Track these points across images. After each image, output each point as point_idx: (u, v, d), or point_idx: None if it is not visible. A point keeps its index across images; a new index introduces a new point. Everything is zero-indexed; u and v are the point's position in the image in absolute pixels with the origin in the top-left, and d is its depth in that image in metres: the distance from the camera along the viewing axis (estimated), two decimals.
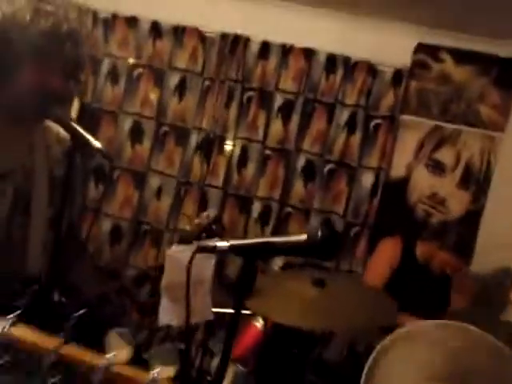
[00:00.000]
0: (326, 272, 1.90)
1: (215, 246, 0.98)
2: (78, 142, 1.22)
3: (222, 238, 0.99)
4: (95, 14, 3.07)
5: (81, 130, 1.23)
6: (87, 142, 1.21)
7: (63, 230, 1.24)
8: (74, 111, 2.90)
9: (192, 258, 0.97)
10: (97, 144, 1.21)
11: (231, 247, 0.97)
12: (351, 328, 1.75)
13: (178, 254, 1.09)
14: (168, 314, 1.08)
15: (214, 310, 1.21)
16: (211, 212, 1.57)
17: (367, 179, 2.84)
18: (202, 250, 0.99)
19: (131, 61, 3.08)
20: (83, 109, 3.00)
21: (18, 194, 1.29)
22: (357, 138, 2.84)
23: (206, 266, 1.12)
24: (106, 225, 3.08)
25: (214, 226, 1.45)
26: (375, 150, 2.83)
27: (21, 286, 1.32)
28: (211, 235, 1.44)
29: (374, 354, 1.38)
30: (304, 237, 0.90)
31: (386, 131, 2.81)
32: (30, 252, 1.32)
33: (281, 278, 1.74)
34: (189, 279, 0.97)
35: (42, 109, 1.25)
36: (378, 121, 2.83)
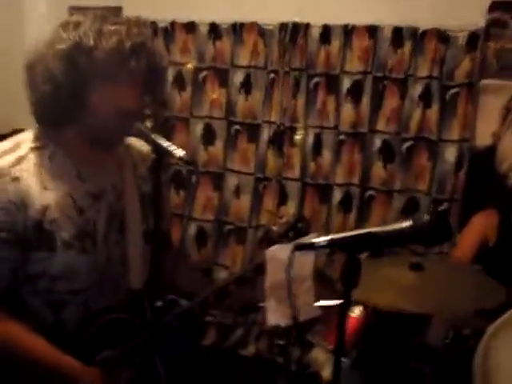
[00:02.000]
0: (419, 255, 1.83)
1: (314, 243, 0.96)
2: (161, 153, 1.24)
3: (319, 234, 0.97)
4: (154, 25, 3.13)
5: (162, 142, 1.24)
6: (170, 153, 1.22)
7: (159, 242, 1.27)
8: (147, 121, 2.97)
9: (292, 257, 0.96)
10: (180, 153, 1.22)
11: (330, 242, 0.95)
12: (453, 311, 1.68)
13: (277, 253, 1.08)
14: (275, 315, 1.07)
15: (319, 304, 1.19)
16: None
17: (450, 153, 2.70)
18: (300, 247, 0.97)
19: (194, 65, 3.11)
20: (156, 118, 3.07)
21: (112, 212, 1.34)
22: (434, 110, 2.71)
23: (306, 263, 1.11)
24: (191, 228, 3.15)
25: (299, 224, 1.43)
26: (455, 121, 2.68)
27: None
28: (297, 233, 1.42)
29: (485, 338, 1.31)
30: (408, 223, 0.86)
31: (465, 100, 2.66)
32: (130, 268, 1.37)
33: (376, 265, 1.69)
34: (290, 278, 0.96)
35: (122, 127, 1.27)
36: (456, 90, 2.67)
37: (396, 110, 2.78)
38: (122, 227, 1.35)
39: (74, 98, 1.22)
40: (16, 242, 1.20)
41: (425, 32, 2.70)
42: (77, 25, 1.22)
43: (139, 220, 1.38)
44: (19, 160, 1.23)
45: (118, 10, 3.09)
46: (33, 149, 1.26)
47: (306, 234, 1.40)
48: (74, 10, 3.04)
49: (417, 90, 2.73)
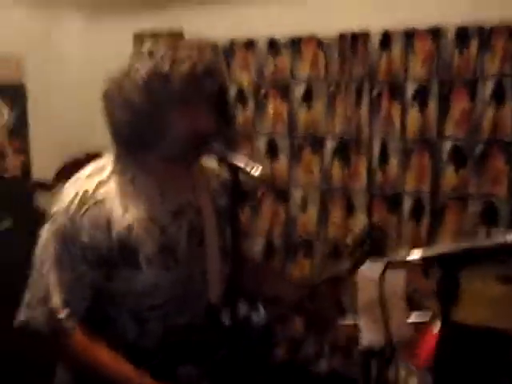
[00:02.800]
0: (505, 266, 1.73)
1: (406, 260, 0.92)
2: (236, 172, 1.24)
3: (409, 249, 0.93)
4: (214, 45, 3.19)
5: (238, 161, 1.25)
6: (245, 172, 1.23)
7: (237, 256, 1.28)
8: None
9: (383, 275, 0.93)
10: (256, 172, 1.22)
11: (424, 259, 0.91)
12: None
13: (368, 272, 1.06)
14: (369, 335, 1.04)
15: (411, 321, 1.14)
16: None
17: None
18: (392, 265, 0.94)
19: (255, 81, 3.14)
20: (225, 137, 3.12)
21: (192, 228, 1.36)
22: (507, 109, 2.59)
23: (397, 281, 1.07)
24: (258, 243, 3.15)
25: (373, 234, 1.39)
26: None
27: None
28: (373, 244, 1.38)
29: None
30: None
31: None
32: (209, 282, 1.38)
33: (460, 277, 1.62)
34: (382, 297, 0.93)
35: (198, 147, 1.30)
36: None
37: (466, 113, 2.68)
38: (200, 242, 1.38)
39: (153, 123, 1.25)
40: (100, 263, 1.24)
41: (492, 29, 2.59)
42: (150, 53, 1.26)
43: (216, 235, 1.40)
44: (102, 184, 1.28)
45: (179, 34, 3.17)
46: (114, 172, 1.30)
47: (381, 244, 1.36)
48: (139, 36, 3.15)
49: (487, 89, 2.62)
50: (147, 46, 1.31)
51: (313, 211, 3.06)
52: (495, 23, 2.58)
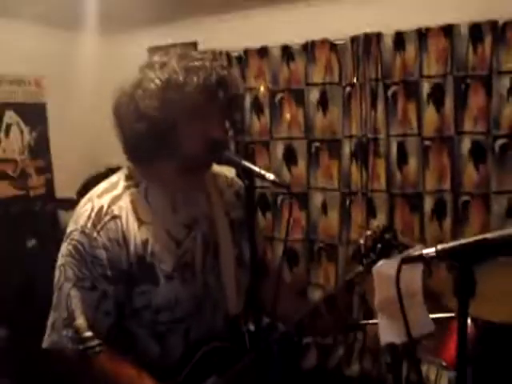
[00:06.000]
0: None
1: (422, 254, 0.93)
2: (252, 178, 1.24)
3: (424, 245, 0.94)
4: (228, 54, 3.23)
5: (253, 167, 1.24)
6: (263, 177, 1.22)
7: (255, 266, 1.27)
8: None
9: (399, 271, 0.93)
10: (271, 176, 1.22)
11: (439, 253, 0.91)
12: None
13: (384, 269, 1.06)
14: (388, 333, 1.04)
15: (432, 317, 1.14)
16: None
17: None
18: (408, 260, 0.94)
19: (266, 86, 3.16)
20: (237, 144, 3.15)
21: (207, 240, 1.37)
22: None
23: (414, 277, 1.07)
24: (280, 249, 3.16)
25: (386, 235, 1.38)
26: None
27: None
28: (386, 244, 1.37)
29: None
30: None
31: None
32: (227, 293, 1.38)
33: (482, 273, 1.60)
34: (400, 293, 0.93)
35: (211, 156, 1.30)
36: None
37: (483, 108, 2.66)
38: (216, 254, 1.38)
39: (167, 133, 1.26)
40: (120, 279, 1.24)
41: (506, 23, 2.57)
42: (163, 64, 1.27)
43: (231, 246, 1.40)
44: (116, 198, 1.29)
45: (193, 45, 3.22)
46: (127, 187, 1.32)
47: (395, 244, 1.35)
48: (154, 50, 3.21)
49: (504, 83, 2.60)
50: (157, 57, 1.33)
51: (334, 214, 3.06)
52: (508, 18, 2.56)
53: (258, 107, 3.20)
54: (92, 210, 1.26)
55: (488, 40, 2.61)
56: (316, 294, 3.12)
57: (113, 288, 1.24)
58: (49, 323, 1.27)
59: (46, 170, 3.47)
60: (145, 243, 1.26)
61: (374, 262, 1.20)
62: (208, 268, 1.36)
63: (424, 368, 1.80)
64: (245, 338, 1.40)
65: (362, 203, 2.95)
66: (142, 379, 1.24)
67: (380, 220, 2.91)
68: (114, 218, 1.25)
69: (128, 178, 1.34)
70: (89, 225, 1.24)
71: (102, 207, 1.26)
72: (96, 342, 1.23)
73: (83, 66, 3.43)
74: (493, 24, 2.60)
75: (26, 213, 3.10)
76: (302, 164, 3.13)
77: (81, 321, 1.22)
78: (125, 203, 1.28)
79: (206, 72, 1.25)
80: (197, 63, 1.26)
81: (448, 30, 2.70)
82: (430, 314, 1.29)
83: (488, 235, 0.85)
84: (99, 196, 1.30)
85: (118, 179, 1.34)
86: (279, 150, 3.18)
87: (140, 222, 1.27)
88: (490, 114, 2.64)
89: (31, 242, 2.98)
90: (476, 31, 2.64)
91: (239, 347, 1.38)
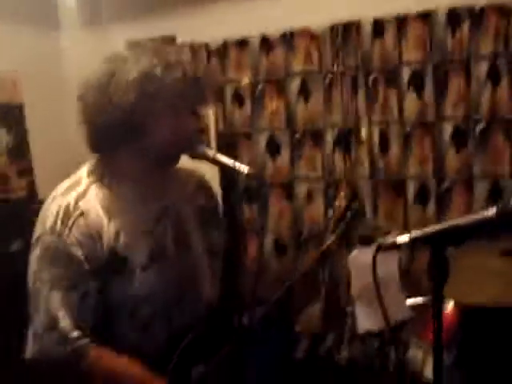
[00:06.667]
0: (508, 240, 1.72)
1: (396, 242, 0.93)
2: (226, 172, 1.24)
3: (399, 231, 0.94)
4: (207, 47, 3.21)
5: (226, 161, 1.25)
6: (235, 170, 1.23)
7: (230, 257, 1.28)
8: (212, 142, 3.04)
9: (375, 259, 0.94)
10: (245, 169, 1.23)
11: (413, 240, 0.92)
12: None
13: (360, 257, 1.07)
14: (366, 320, 1.05)
15: (409, 303, 1.15)
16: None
17: None
18: (382, 248, 0.95)
19: (249, 79, 3.15)
20: (219, 137, 3.14)
21: (176, 230, 1.37)
22: (504, 88, 2.58)
23: (390, 264, 1.08)
24: (269, 240, 3.17)
25: (353, 205, 1.41)
26: None
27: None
28: (354, 215, 1.40)
29: None
30: (494, 210, 0.82)
31: None
32: (201, 283, 1.40)
33: (459, 255, 1.61)
34: (376, 279, 0.94)
35: (180, 149, 1.31)
36: None
37: (463, 93, 2.67)
38: (186, 243, 1.39)
39: (140, 125, 1.25)
40: (98, 273, 1.23)
41: (483, 9, 2.58)
42: (139, 57, 1.26)
43: (200, 235, 1.42)
44: (82, 194, 1.27)
45: (172, 39, 3.20)
46: (92, 182, 1.30)
47: (362, 213, 1.38)
48: (133, 44, 3.17)
49: (482, 68, 2.61)
50: (131, 50, 1.32)
51: (319, 203, 3.07)
52: (485, 3, 2.57)
53: (239, 99, 3.19)
54: (59, 209, 1.24)
55: (465, 25, 2.63)
56: None
57: (92, 284, 1.23)
58: (29, 333, 1.23)
59: (27, 172, 3.39)
60: (117, 236, 1.26)
61: (345, 231, 1.22)
62: (181, 258, 1.37)
63: (411, 351, 1.82)
64: (226, 327, 1.40)
65: (347, 191, 2.96)
66: (137, 370, 1.23)
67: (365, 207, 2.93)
68: (83, 213, 1.24)
69: (91, 173, 1.33)
70: (58, 224, 1.23)
71: (68, 205, 1.25)
72: (85, 340, 1.21)
73: (61, 64, 3.37)
74: (470, 10, 2.61)
75: (8, 216, 3.04)
76: (285, 155, 3.13)
77: (65, 322, 1.20)
78: (91, 198, 1.27)
79: (183, 68, 1.26)
80: (173, 58, 1.27)
81: (426, 17, 2.71)
82: (413, 298, 1.31)
83: (454, 221, 0.86)
84: (63, 194, 1.28)
85: (80, 176, 1.33)
86: (262, 141, 3.17)
87: (109, 215, 1.27)
88: (469, 99, 2.66)
89: (15, 246, 2.94)
90: (453, 16, 2.65)
91: (222, 333, 1.38)
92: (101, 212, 1.27)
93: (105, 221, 1.26)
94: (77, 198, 1.26)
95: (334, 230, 1.33)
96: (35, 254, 1.25)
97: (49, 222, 1.24)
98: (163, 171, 1.39)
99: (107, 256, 1.24)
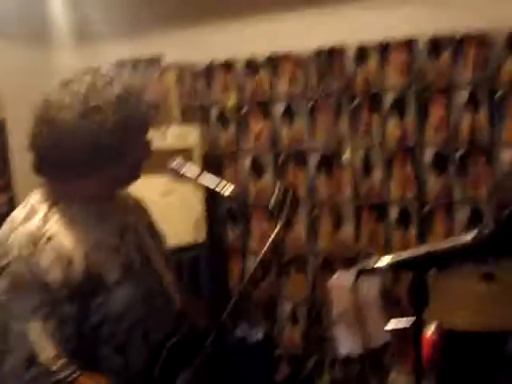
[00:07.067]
0: (489, 264, 1.74)
1: (374, 268, 0.94)
2: (211, 193, 1.30)
3: (380, 256, 0.95)
4: (192, 68, 3.23)
5: (209, 182, 1.29)
6: (215, 191, 1.26)
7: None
8: (197, 163, 3.03)
9: (355, 284, 0.94)
10: (228, 189, 1.26)
11: (391, 265, 0.92)
12: None
13: (340, 281, 1.07)
14: (346, 344, 1.05)
15: (389, 327, 1.15)
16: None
17: (508, 155, 2.61)
18: (362, 273, 0.95)
19: (235, 100, 3.17)
20: (204, 158, 3.13)
21: (138, 245, 1.40)
22: (483, 115, 2.63)
23: (371, 288, 1.08)
24: (251, 262, 3.15)
25: (288, 193, 1.45)
26: (509, 122, 2.59)
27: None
28: (290, 206, 1.43)
29: None
30: (472, 235, 0.83)
31: None
32: (170, 294, 1.42)
33: (441, 279, 1.62)
34: (356, 305, 0.94)
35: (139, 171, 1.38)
36: (502, 92, 2.60)
37: (443, 120, 2.73)
38: (148, 258, 1.42)
39: (116, 148, 1.26)
40: (74, 296, 1.20)
41: (463, 38, 2.65)
42: (110, 81, 1.28)
43: (156, 249, 1.45)
44: (43, 220, 1.24)
45: (158, 59, 3.21)
46: (49, 206, 1.28)
47: (295, 202, 1.40)
48: (120, 64, 3.17)
49: (463, 96, 2.67)
50: (97, 74, 1.30)
51: (301, 226, 3.08)
52: (465, 32, 2.64)
53: (223, 120, 3.21)
54: (21, 238, 1.20)
55: (446, 54, 2.69)
56: (286, 306, 3.13)
57: (69, 309, 1.20)
58: (4, 374, 1.15)
59: (8, 188, 3.33)
60: (87, 256, 1.24)
61: (287, 220, 1.26)
62: (149, 271, 1.39)
63: (392, 376, 1.81)
64: (200, 335, 1.40)
65: (329, 214, 2.98)
66: None
67: (347, 230, 2.95)
68: (50, 238, 1.21)
69: (44, 199, 1.31)
70: (24, 252, 1.18)
71: (31, 233, 1.21)
72: (68, 370, 1.15)
73: (44, 80, 3.35)
74: (451, 38, 2.68)
75: None
76: (268, 177, 3.14)
77: (45, 354, 1.13)
78: (53, 223, 1.25)
79: (152, 90, 1.35)
80: (144, 80, 1.34)
81: (408, 44, 2.77)
82: (395, 319, 1.31)
83: (432, 247, 0.87)
84: (22, 224, 1.23)
85: (33, 204, 1.30)
86: (246, 162, 3.18)
87: (75, 236, 1.25)
88: (449, 125, 2.71)
89: None
90: (435, 45, 2.72)
91: (196, 339, 1.38)
92: (65, 235, 1.24)
93: (71, 244, 1.24)
94: (39, 225, 1.23)
95: (277, 218, 1.38)
96: (3, 284, 1.16)
97: (14, 252, 1.18)
98: (120, 190, 1.43)
99: (80, 278, 1.22)
